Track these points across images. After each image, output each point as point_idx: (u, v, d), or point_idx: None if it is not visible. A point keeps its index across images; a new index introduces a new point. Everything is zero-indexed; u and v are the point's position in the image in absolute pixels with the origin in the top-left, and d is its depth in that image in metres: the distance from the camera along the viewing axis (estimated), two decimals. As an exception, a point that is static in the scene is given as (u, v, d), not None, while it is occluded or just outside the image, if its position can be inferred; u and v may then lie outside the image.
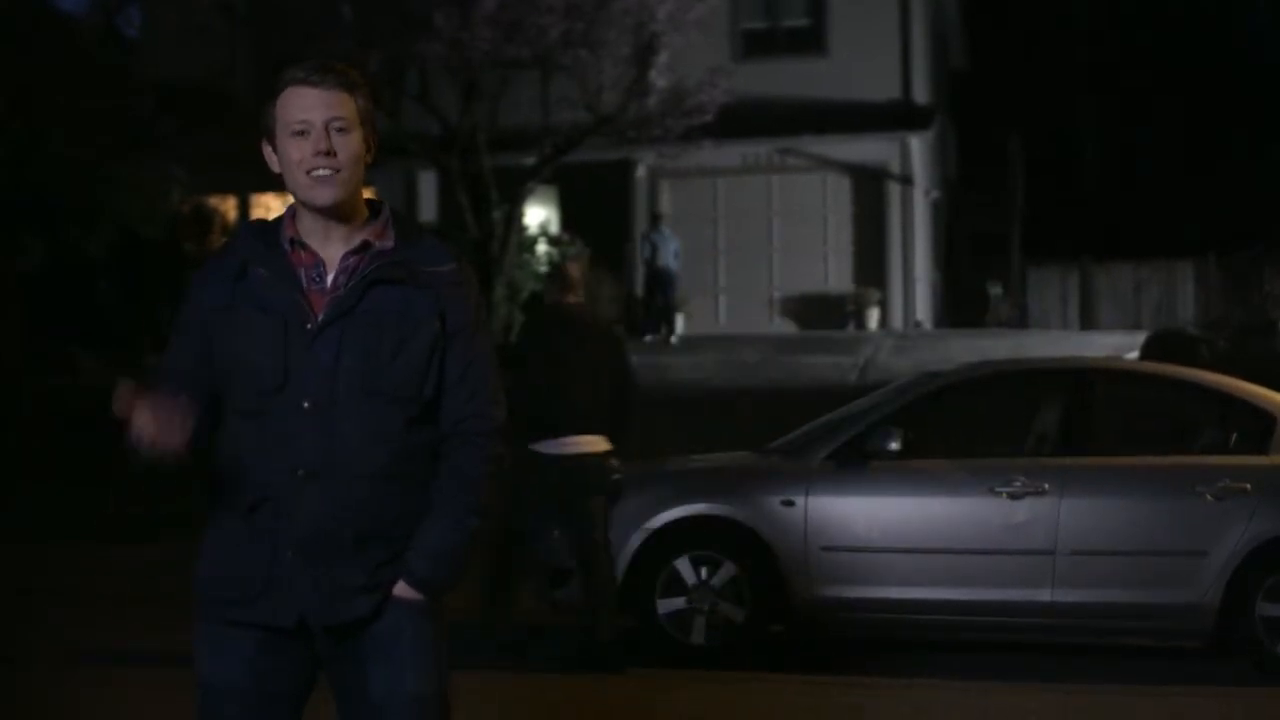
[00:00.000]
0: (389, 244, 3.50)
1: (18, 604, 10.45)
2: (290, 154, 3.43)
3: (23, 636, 9.26)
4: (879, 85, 28.22)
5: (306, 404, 3.40)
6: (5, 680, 8.18)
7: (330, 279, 3.47)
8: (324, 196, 3.44)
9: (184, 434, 3.24)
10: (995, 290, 31.98)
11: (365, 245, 3.49)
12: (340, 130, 3.43)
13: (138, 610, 10.06)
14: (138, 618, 9.71)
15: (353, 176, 3.46)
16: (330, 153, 3.41)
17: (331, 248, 3.49)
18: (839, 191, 28.80)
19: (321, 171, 3.42)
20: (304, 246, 3.49)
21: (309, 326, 3.42)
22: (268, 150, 3.51)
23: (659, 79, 24.81)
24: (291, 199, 3.55)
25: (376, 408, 3.42)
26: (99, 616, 10.03)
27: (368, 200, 3.57)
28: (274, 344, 3.41)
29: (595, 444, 8.47)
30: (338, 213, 3.47)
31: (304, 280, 3.46)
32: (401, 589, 3.46)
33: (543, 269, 26.93)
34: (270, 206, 27.87)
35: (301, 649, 3.50)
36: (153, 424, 3.21)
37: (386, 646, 3.47)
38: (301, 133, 3.42)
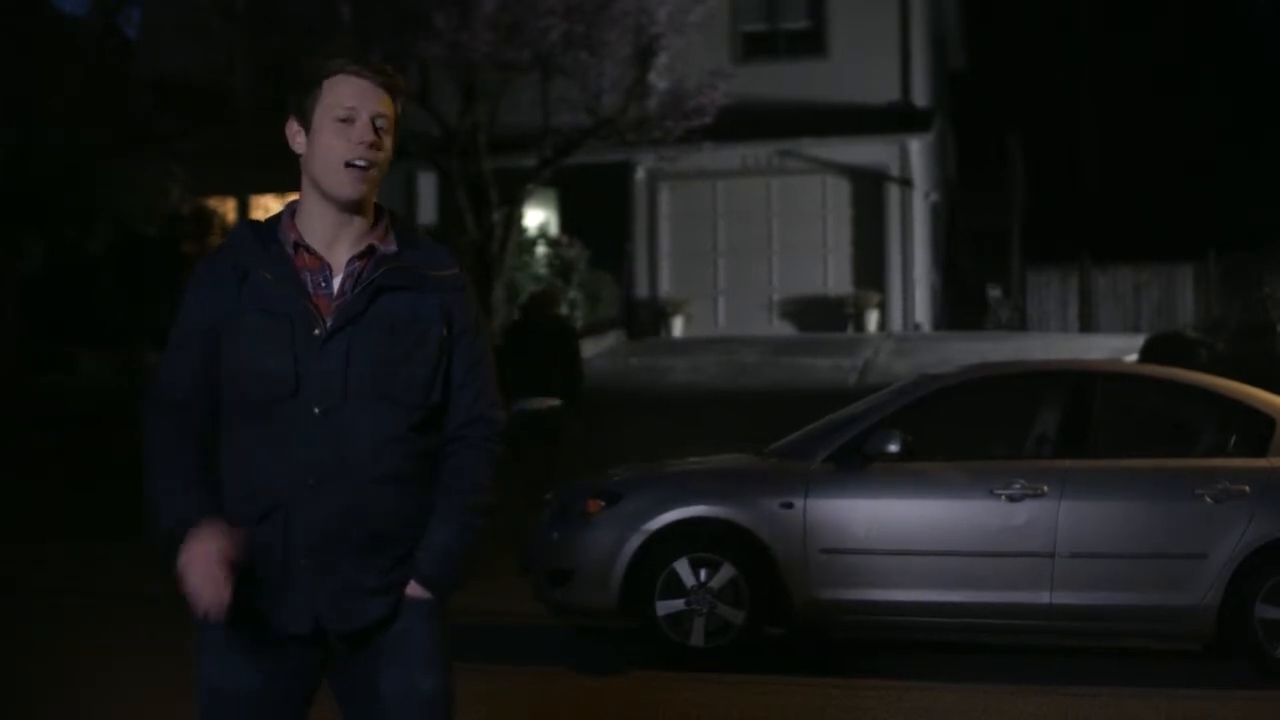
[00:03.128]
0: (392, 248, 3.49)
1: (16, 603, 10.44)
2: (330, 139, 3.41)
3: (23, 635, 9.25)
4: (878, 87, 28.23)
5: (317, 409, 3.38)
6: (5, 678, 8.18)
7: (337, 284, 3.45)
8: (354, 190, 3.41)
9: (220, 594, 3.30)
10: (994, 292, 31.99)
11: (370, 250, 3.47)
12: (381, 129, 3.43)
13: (136, 609, 10.04)
14: (136, 617, 9.70)
15: (380, 176, 3.47)
16: (376, 146, 3.41)
17: (337, 251, 3.47)
18: (838, 193, 28.82)
19: (362, 163, 3.40)
20: (308, 250, 3.46)
21: (317, 332, 3.40)
22: (293, 129, 3.47)
23: (659, 81, 24.82)
24: (292, 199, 3.52)
25: (386, 412, 3.41)
26: (98, 615, 10.02)
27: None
28: (284, 350, 3.39)
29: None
30: (356, 208, 3.45)
31: (309, 284, 3.44)
32: (412, 589, 3.46)
33: (542, 270, 26.96)
34: (269, 206, 27.84)
35: (310, 654, 3.49)
36: (200, 585, 3.29)
37: (398, 647, 3.46)
38: (347, 120, 3.40)
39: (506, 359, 12.63)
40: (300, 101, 3.45)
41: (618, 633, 9.37)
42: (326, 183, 3.43)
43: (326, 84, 3.43)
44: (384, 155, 3.44)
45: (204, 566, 3.30)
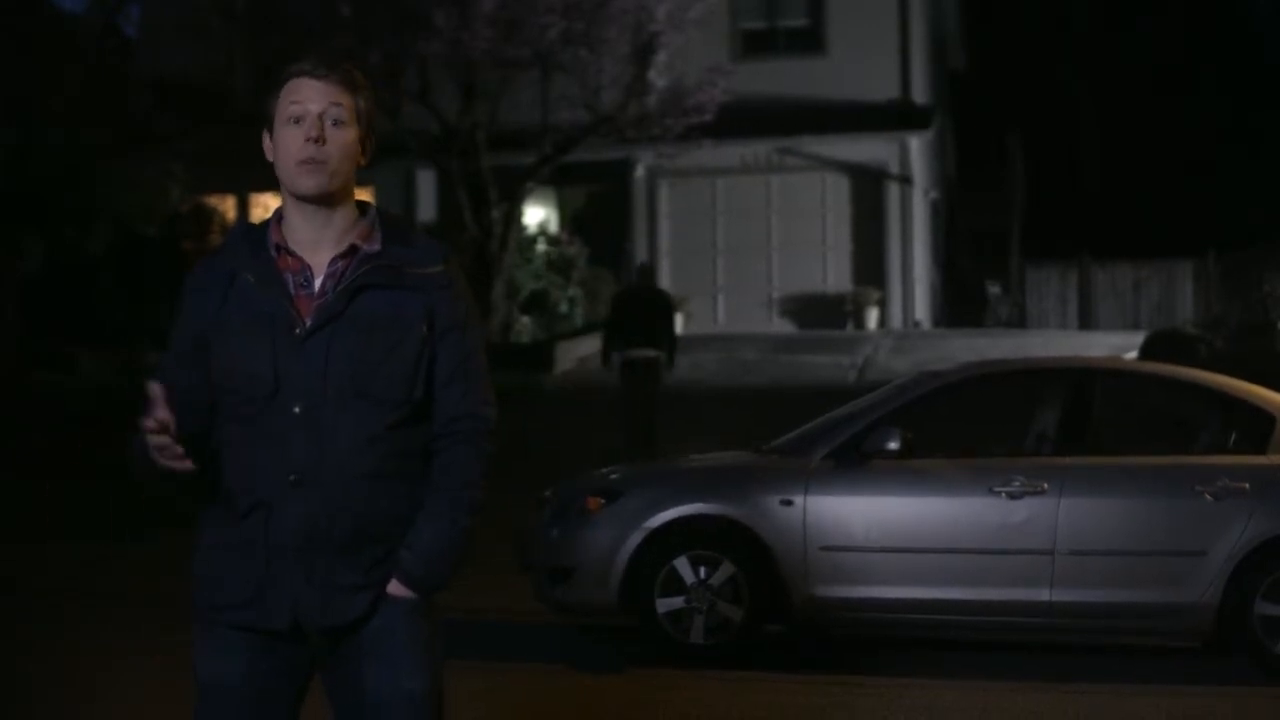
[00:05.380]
0: (375, 246, 3.51)
1: (17, 602, 10.44)
2: (284, 140, 3.46)
3: (23, 635, 9.25)
4: (878, 85, 28.23)
5: (297, 408, 3.41)
6: (5, 678, 8.18)
7: (318, 284, 3.48)
8: (309, 184, 3.45)
9: (179, 459, 3.31)
10: (994, 289, 32.00)
11: (352, 249, 3.50)
12: (335, 123, 3.46)
13: (136, 609, 10.05)
14: (136, 617, 9.70)
15: (342, 170, 3.47)
16: (320, 140, 3.43)
17: (319, 252, 3.50)
18: (838, 191, 28.82)
19: (310, 159, 3.43)
20: (290, 252, 3.50)
21: (298, 331, 3.43)
22: (266, 141, 3.53)
23: (658, 78, 24.84)
24: (280, 202, 3.56)
25: (367, 410, 3.43)
26: (98, 615, 10.02)
27: (356, 202, 3.57)
28: (264, 351, 3.43)
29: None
30: (324, 203, 3.48)
31: (291, 285, 3.47)
32: (395, 587, 3.47)
33: (542, 268, 26.96)
34: (269, 205, 27.85)
35: (297, 649, 3.52)
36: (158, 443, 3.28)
37: (381, 645, 3.48)
38: (297, 120, 3.45)
39: (617, 319, 16.93)
40: (266, 112, 3.52)
41: (618, 630, 9.37)
42: (287, 182, 3.48)
43: (283, 91, 3.49)
44: (338, 149, 3.46)
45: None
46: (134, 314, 24.62)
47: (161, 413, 3.26)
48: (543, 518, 9.16)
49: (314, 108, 3.44)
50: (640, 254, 29.01)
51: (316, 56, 3.54)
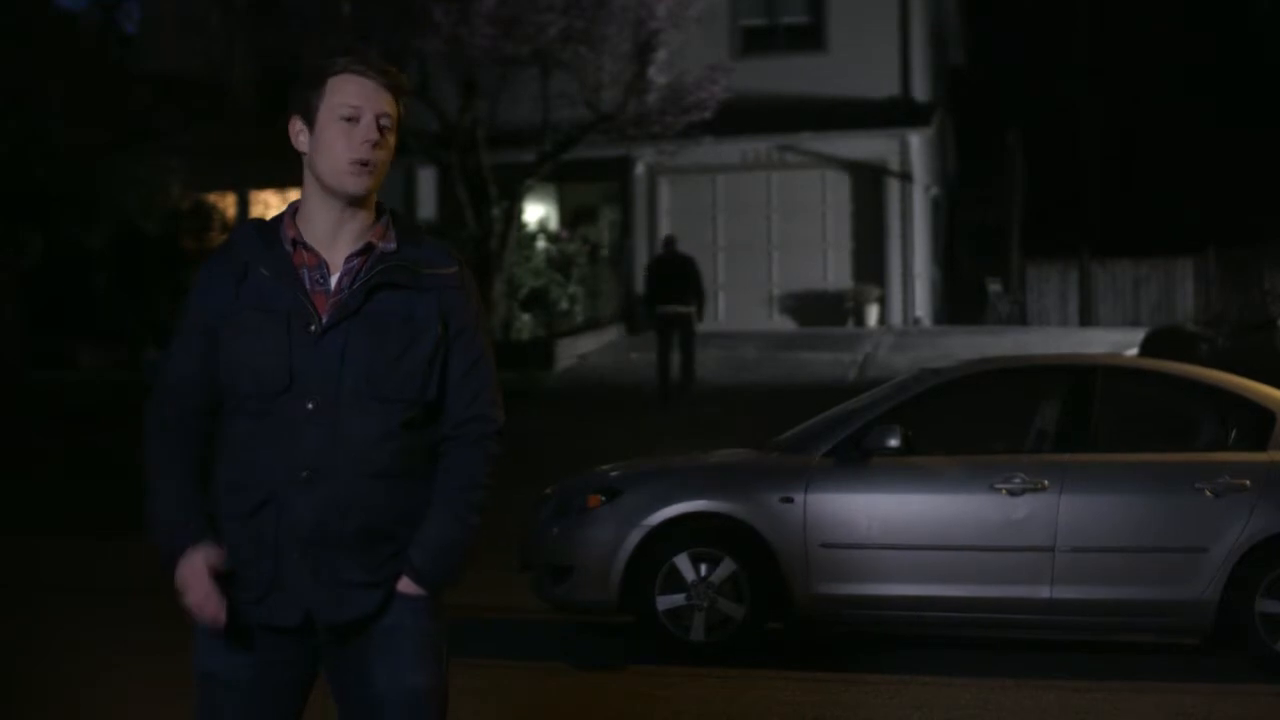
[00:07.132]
0: (391, 245, 3.51)
1: (15, 597, 10.43)
2: (335, 139, 3.44)
3: (22, 630, 9.24)
4: (878, 82, 28.21)
5: (311, 405, 3.41)
6: (4, 674, 8.17)
7: (334, 280, 3.48)
8: (358, 186, 3.45)
9: (219, 608, 3.45)
10: (994, 287, 31.97)
11: (369, 247, 3.50)
12: (385, 128, 3.47)
13: (136, 603, 10.04)
14: (137, 611, 9.69)
15: (383, 173, 3.50)
16: (379, 145, 3.45)
17: (336, 249, 3.50)
18: (838, 188, 28.79)
19: (366, 162, 3.44)
20: (306, 247, 3.49)
21: (313, 328, 3.43)
22: (296, 127, 3.50)
23: (658, 75, 24.83)
24: (293, 198, 3.55)
25: (379, 409, 3.44)
26: (98, 610, 10.02)
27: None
28: (279, 346, 3.42)
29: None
30: (354, 202, 3.48)
31: (307, 281, 3.47)
32: (404, 584, 3.48)
33: (542, 265, 26.94)
34: (269, 202, 27.84)
35: (303, 644, 3.52)
36: (201, 601, 3.43)
37: (388, 642, 3.49)
38: (351, 119, 3.44)
39: (652, 280, 20.40)
40: (304, 100, 3.49)
41: (618, 628, 9.37)
42: (331, 180, 3.47)
43: (331, 83, 3.47)
44: (386, 154, 3.48)
45: (200, 585, 3.43)
46: (134, 310, 24.64)
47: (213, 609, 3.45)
48: (543, 516, 9.15)
49: (369, 109, 3.44)
50: (640, 252, 29.05)
51: (367, 52, 3.55)
